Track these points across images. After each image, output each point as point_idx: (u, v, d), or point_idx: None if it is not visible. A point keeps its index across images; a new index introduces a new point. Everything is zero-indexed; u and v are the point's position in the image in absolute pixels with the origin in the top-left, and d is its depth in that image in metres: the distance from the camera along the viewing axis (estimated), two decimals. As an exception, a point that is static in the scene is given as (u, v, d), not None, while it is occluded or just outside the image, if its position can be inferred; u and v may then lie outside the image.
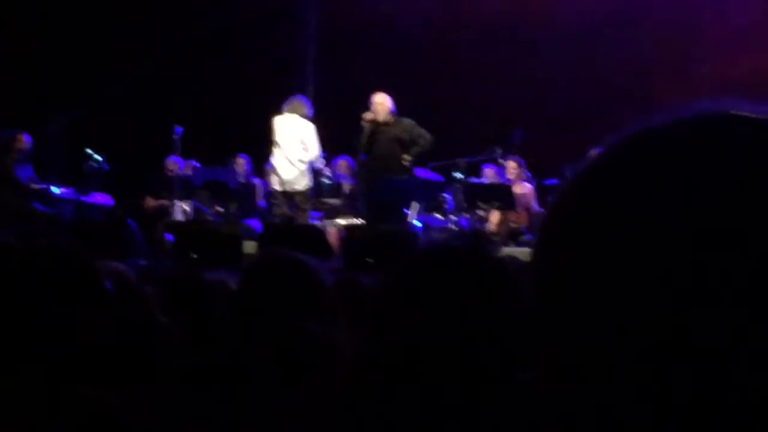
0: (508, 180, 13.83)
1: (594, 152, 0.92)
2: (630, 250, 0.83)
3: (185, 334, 3.35)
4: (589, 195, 0.89)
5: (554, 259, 0.90)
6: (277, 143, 13.35)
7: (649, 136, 0.88)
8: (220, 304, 3.72)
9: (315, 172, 13.73)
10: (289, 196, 13.39)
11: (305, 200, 13.46)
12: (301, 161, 13.30)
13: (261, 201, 14.53)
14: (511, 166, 13.94)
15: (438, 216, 14.08)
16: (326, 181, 14.24)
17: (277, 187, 13.46)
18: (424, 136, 13.18)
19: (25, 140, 13.50)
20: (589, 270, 0.85)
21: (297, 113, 13.34)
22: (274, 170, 13.46)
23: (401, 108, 13.29)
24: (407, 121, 13.23)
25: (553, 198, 0.93)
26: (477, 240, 1.97)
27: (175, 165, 14.43)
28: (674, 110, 0.89)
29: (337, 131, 13.60)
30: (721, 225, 0.80)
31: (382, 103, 13.20)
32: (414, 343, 1.79)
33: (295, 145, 13.25)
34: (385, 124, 13.16)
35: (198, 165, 14.56)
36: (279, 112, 13.42)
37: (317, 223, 13.46)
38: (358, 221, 13.34)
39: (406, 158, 13.18)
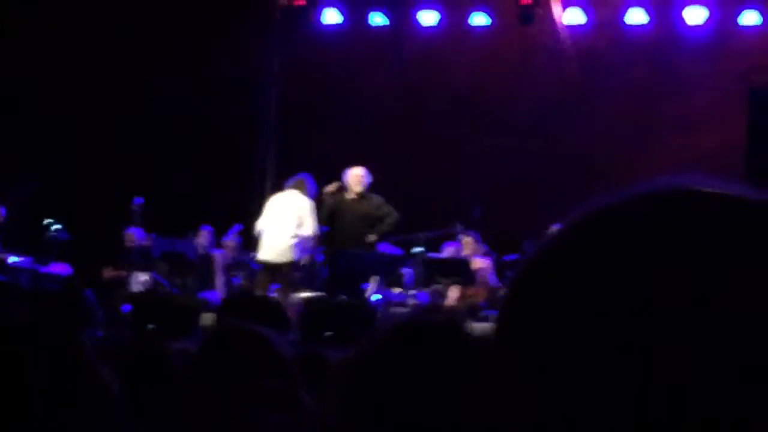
0: (464, 255, 13.86)
1: (553, 228, 0.92)
2: (590, 331, 0.82)
3: (143, 406, 3.32)
4: (547, 274, 0.87)
5: (516, 339, 0.88)
6: (269, 217, 13.25)
7: (609, 213, 0.87)
8: (182, 373, 3.68)
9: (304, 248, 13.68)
10: (274, 267, 13.22)
11: (289, 272, 13.29)
12: (294, 236, 13.15)
13: (220, 273, 14.46)
14: (467, 242, 14.00)
15: (397, 290, 14.07)
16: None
17: (262, 257, 13.27)
18: (392, 214, 13.21)
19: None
20: (551, 348, 0.84)
21: (299, 190, 13.25)
22: (261, 242, 13.31)
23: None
24: (377, 199, 13.25)
25: (513, 276, 0.92)
26: (451, 315, 1.96)
27: (134, 236, 14.37)
28: (636, 186, 0.88)
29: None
30: (682, 304, 0.80)
31: (359, 176, 13.20)
32: (385, 417, 1.76)
33: (290, 220, 13.11)
34: (356, 198, 13.16)
35: (155, 237, 14.49)
36: (279, 189, 13.41)
37: (274, 295, 13.39)
38: (317, 294, 13.29)
39: (371, 237, 13.17)
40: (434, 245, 14.45)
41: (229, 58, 16.48)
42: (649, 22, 16.12)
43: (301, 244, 13.34)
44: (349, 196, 13.23)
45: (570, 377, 0.83)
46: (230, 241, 14.77)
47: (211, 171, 15.65)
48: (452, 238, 14.44)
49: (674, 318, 0.80)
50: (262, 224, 13.28)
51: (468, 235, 14.06)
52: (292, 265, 13.28)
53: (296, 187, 13.32)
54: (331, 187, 13.19)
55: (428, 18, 16.80)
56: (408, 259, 14.05)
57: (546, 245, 0.89)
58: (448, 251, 14.36)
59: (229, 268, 14.66)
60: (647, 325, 0.80)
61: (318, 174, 13.45)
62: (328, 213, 13.16)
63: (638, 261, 0.82)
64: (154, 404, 3.46)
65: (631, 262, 0.82)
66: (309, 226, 13.21)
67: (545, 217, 10.67)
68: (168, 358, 3.74)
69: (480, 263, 13.71)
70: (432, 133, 16.41)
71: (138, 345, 3.89)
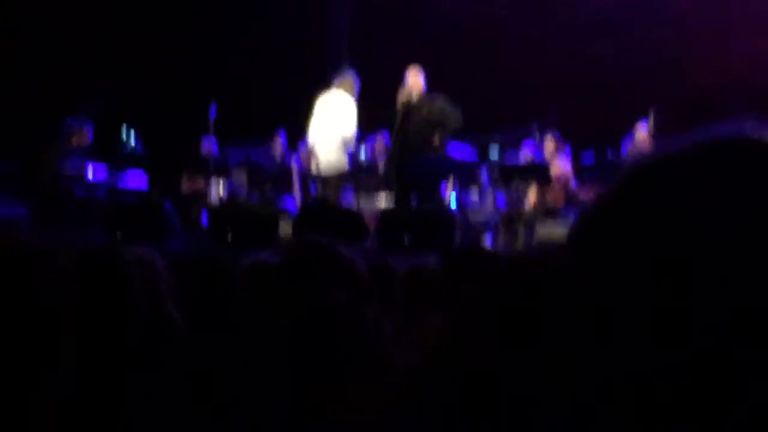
0: (544, 158, 13.66)
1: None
2: (653, 265, 0.83)
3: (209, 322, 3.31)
4: (617, 213, 0.90)
5: (587, 267, 0.91)
6: (318, 122, 13.20)
7: (669, 161, 0.88)
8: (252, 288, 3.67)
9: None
10: (325, 176, 13.21)
11: (339, 184, 13.25)
12: (342, 144, 13.10)
13: (297, 181, 14.44)
14: (548, 144, 13.75)
15: (474, 193, 13.99)
16: (363, 159, 14.15)
17: (315, 168, 13.27)
18: (452, 116, 12.75)
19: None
20: (619, 279, 0.86)
21: (344, 89, 13.17)
22: (313, 151, 13.28)
23: (437, 83, 13.01)
24: (438, 101, 12.85)
25: (574, 225, 0.96)
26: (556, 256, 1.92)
27: (209, 144, 14.34)
28: (694, 135, 0.89)
29: (373, 109, 13.49)
30: (740, 251, 0.80)
31: (414, 79, 12.91)
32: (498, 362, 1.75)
33: (336, 124, 13.10)
34: (419, 101, 12.84)
35: (231, 145, 14.48)
36: (327, 87, 13.31)
37: (351, 203, 13.37)
38: (394, 200, 13.21)
39: (434, 141, 12.85)
40: (511, 144, 14.34)
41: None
42: None
43: (347, 147, 13.26)
44: (414, 99, 12.92)
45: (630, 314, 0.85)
46: (305, 149, 14.75)
47: (286, 78, 15.61)
48: (531, 138, 14.27)
49: (730, 272, 0.80)
50: (313, 133, 13.22)
51: (550, 137, 13.82)
52: (340, 177, 13.19)
53: (342, 86, 13.20)
54: (403, 94, 12.93)
55: None
56: (484, 161, 13.94)
57: (608, 193, 0.92)
58: (527, 148, 14.07)
59: (306, 177, 14.65)
60: (701, 280, 0.81)
61: (392, 77, 13.31)
62: (400, 118, 12.87)
63: (700, 213, 0.82)
64: (220, 320, 3.45)
65: (692, 215, 0.83)
66: (349, 128, 13.05)
67: (621, 118, 10.58)
68: (235, 273, 3.72)
69: (559, 168, 13.47)
70: (509, 33, 16.25)
71: (206, 259, 3.89)
